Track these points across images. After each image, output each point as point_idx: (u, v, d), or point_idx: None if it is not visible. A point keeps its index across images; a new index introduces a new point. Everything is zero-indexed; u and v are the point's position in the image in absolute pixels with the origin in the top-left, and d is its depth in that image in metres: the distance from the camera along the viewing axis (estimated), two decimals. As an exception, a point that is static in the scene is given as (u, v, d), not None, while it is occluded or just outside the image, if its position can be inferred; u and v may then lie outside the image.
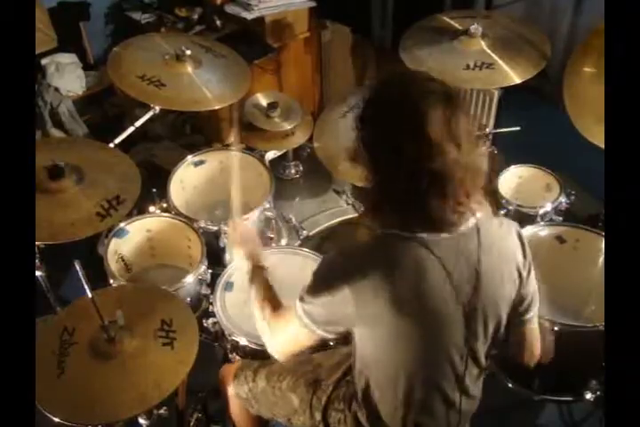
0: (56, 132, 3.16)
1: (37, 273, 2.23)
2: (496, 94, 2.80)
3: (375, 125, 1.26)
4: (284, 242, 2.60)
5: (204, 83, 2.41)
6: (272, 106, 2.72)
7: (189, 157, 2.56)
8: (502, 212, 2.38)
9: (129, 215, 2.21)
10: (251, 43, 3.09)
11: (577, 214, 2.60)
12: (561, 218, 2.39)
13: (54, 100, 3.13)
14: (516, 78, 2.29)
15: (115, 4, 3.35)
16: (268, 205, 2.43)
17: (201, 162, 2.58)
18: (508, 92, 2.65)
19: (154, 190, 2.43)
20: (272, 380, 1.72)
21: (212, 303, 2.08)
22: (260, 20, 3.07)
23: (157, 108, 2.41)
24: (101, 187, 2.02)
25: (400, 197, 1.26)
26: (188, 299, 2.16)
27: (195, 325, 1.74)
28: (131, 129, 2.42)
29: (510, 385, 2.16)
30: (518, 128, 2.46)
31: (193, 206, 2.54)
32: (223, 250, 2.39)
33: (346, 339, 1.45)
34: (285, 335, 1.43)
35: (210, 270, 2.25)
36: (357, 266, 1.29)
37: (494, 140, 2.75)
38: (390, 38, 3.23)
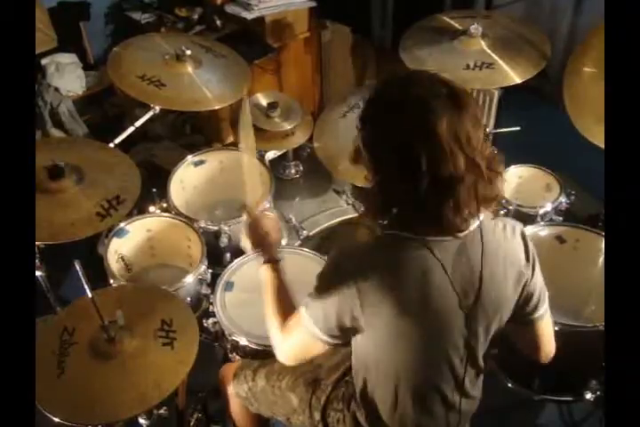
0: (56, 132, 3.16)
1: (37, 273, 2.23)
2: (496, 94, 2.79)
3: (375, 125, 1.25)
4: (283, 242, 2.59)
5: (204, 83, 2.41)
6: (272, 106, 2.72)
7: (189, 157, 2.56)
8: (502, 212, 2.38)
9: (129, 215, 2.21)
10: (251, 43, 3.09)
11: (577, 214, 2.60)
12: (561, 218, 2.39)
13: (54, 100, 3.13)
14: (516, 78, 2.29)
15: (115, 3, 3.35)
16: (267, 205, 2.43)
17: (201, 162, 2.58)
18: (508, 92, 2.65)
19: (154, 190, 2.43)
20: (272, 379, 1.72)
21: (212, 303, 2.08)
22: (260, 19, 3.07)
23: (157, 108, 2.41)
24: (101, 187, 2.02)
25: (400, 198, 1.25)
26: (188, 299, 2.16)
27: (195, 325, 1.74)
28: (131, 129, 2.42)
29: (510, 385, 2.16)
30: (518, 128, 2.46)
31: (193, 206, 2.55)
32: (223, 250, 2.39)
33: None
34: (293, 342, 1.43)
35: (210, 270, 2.25)
36: (362, 267, 1.28)
37: (494, 140, 2.75)
38: (390, 38, 3.23)
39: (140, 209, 2.37)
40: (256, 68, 3.04)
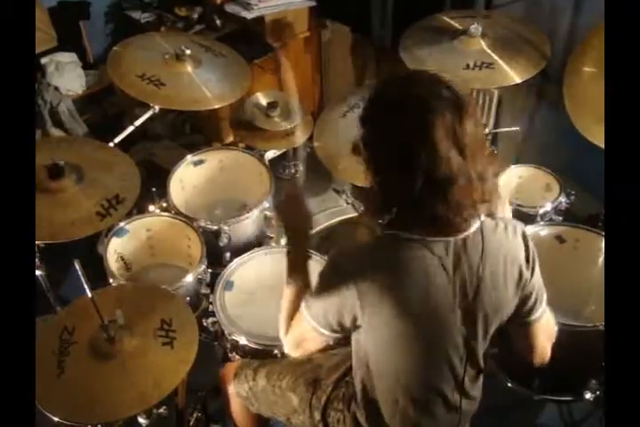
0: (56, 132, 3.16)
1: (37, 272, 2.23)
2: (496, 94, 2.79)
3: (375, 125, 1.25)
4: (283, 242, 2.59)
5: (203, 82, 2.41)
6: (272, 105, 2.72)
7: (189, 157, 2.56)
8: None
9: (129, 215, 2.21)
10: (250, 42, 3.09)
11: (577, 214, 2.60)
12: (561, 218, 2.39)
13: (54, 99, 3.13)
14: (516, 78, 2.29)
15: (115, 3, 3.35)
16: (267, 205, 2.43)
17: (200, 161, 2.58)
18: (508, 92, 2.65)
19: (153, 190, 2.43)
20: (272, 379, 1.72)
21: (211, 303, 2.08)
22: (260, 19, 3.06)
23: (157, 108, 2.42)
24: (101, 186, 2.03)
25: (400, 198, 1.25)
26: (188, 298, 2.16)
27: (194, 324, 1.74)
28: (130, 128, 2.42)
29: (510, 385, 2.16)
30: (518, 128, 2.46)
31: (193, 206, 2.55)
32: (223, 250, 2.39)
33: (346, 339, 1.45)
34: (297, 335, 1.44)
35: (209, 270, 2.25)
36: (362, 267, 1.29)
37: (494, 140, 2.75)
38: (390, 38, 3.22)
39: (139, 208, 2.36)
40: (256, 68, 3.04)
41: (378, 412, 1.47)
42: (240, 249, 2.34)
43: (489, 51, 2.35)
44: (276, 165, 3.03)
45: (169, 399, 1.76)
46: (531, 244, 1.39)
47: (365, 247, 1.34)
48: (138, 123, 2.44)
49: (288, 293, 1.49)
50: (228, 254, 2.41)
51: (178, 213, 2.36)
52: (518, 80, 2.29)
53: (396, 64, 2.48)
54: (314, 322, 1.36)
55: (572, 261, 2.17)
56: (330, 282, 1.33)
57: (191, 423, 2.13)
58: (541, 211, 2.36)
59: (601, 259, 2.15)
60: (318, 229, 2.70)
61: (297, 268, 1.52)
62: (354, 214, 2.79)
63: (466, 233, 1.29)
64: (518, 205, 2.36)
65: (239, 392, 1.78)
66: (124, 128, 2.41)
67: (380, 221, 1.33)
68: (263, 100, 2.78)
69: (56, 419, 1.54)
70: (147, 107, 2.43)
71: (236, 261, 2.19)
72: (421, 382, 1.40)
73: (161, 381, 1.60)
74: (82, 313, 1.70)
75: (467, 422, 1.56)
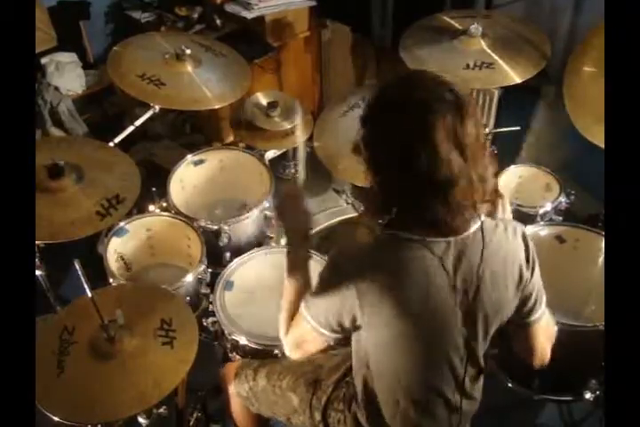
0: (56, 132, 3.16)
1: (37, 272, 2.23)
2: (496, 94, 2.79)
3: (376, 125, 1.25)
4: (283, 242, 2.59)
5: (203, 82, 2.41)
6: (272, 105, 2.72)
7: (189, 157, 2.56)
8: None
9: (129, 214, 2.21)
10: (251, 42, 3.09)
11: (577, 214, 2.60)
12: (561, 218, 2.39)
13: (54, 99, 3.13)
14: (516, 78, 2.29)
15: (115, 3, 3.35)
16: (267, 205, 2.43)
17: (201, 161, 2.58)
18: (508, 92, 2.65)
19: (153, 189, 2.43)
20: (272, 379, 1.72)
21: (211, 302, 2.08)
22: (260, 19, 3.06)
23: (157, 108, 2.42)
24: (101, 186, 2.03)
25: (400, 198, 1.25)
26: (188, 298, 2.16)
27: (194, 324, 1.74)
28: (130, 128, 2.42)
29: (510, 385, 2.16)
30: (518, 128, 2.46)
31: (193, 206, 2.54)
32: (223, 249, 2.39)
33: (347, 340, 1.45)
34: (297, 335, 1.44)
35: (209, 270, 2.25)
36: (362, 268, 1.29)
37: (494, 140, 2.75)
38: (390, 37, 3.22)
39: (139, 208, 2.36)
40: (256, 68, 3.04)
41: (379, 412, 1.47)
42: (240, 249, 2.34)
43: (489, 51, 2.35)
44: (276, 165, 3.03)
45: (169, 399, 1.76)
46: (531, 244, 1.39)
47: (365, 247, 1.34)
48: (138, 123, 2.44)
49: (288, 293, 1.49)
50: (227, 254, 2.41)
51: (178, 212, 2.36)
52: (518, 80, 2.29)
53: (396, 64, 2.48)
54: (314, 322, 1.36)
55: (572, 261, 2.17)
56: (329, 282, 1.33)
57: (191, 423, 2.13)
58: (541, 211, 2.36)
59: (601, 259, 2.15)
60: (318, 229, 2.70)
61: (297, 268, 1.51)
62: (354, 214, 2.79)
63: (466, 233, 1.29)
64: (518, 205, 2.36)
65: (239, 392, 1.78)
66: (124, 128, 2.41)
67: (380, 221, 1.33)
68: (263, 100, 2.78)
69: (56, 419, 1.54)
70: (147, 107, 2.43)
71: (236, 261, 2.19)
72: (422, 382, 1.40)
73: (161, 381, 1.60)
74: (82, 313, 1.70)
75: (467, 422, 1.56)
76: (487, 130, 2.73)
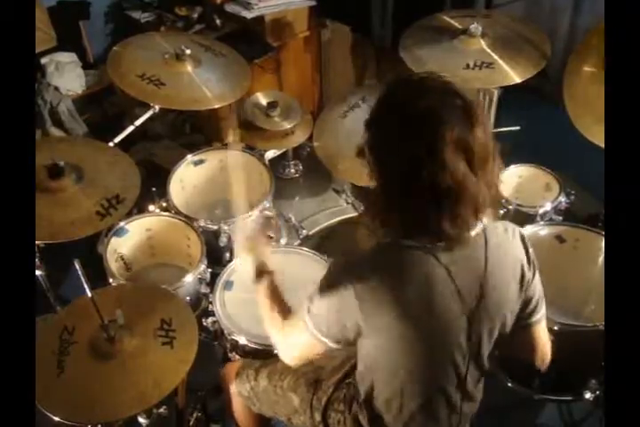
0: (56, 132, 3.16)
1: (37, 272, 2.23)
2: (496, 94, 2.79)
3: (380, 129, 1.24)
4: (283, 241, 2.59)
5: (203, 82, 2.41)
6: (272, 105, 2.72)
7: (189, 157, 2.56)
8: (502, 211, 2.37)
9: (129, 214, 2.21)
10: (250, 42, 3.09)
11: (577, 214, 2.60)
12: (561, 218, 2.39)
13: (54, 99, 3.13)
14: (515, 78, 2.29)
15: (114, 2, 3.35)
16: (267, 205, 2.43)
17: (201, 161, 2.58)
18: (508, 92, 2.65)
19: (153, 189, 2.43)
20: (273, 379, 1.72)
21: (211, 302, 2.08)
22: (260, 19, 3.06)
23: (157, 108, 2.41)
24: (101, 186, 2.03)
25: (401, 204, 1.24)
26: (188, 298, 2.16)
27: (194, 324, 1.74)
28: (130, 128, 2.42)
29: (510, 385, 2.16)
30: (518, 128, 2.46)
31: (193, 206, 2.54)
32: (223, 249, 2.39)
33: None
34: (295, 343, 1.43)
35: (209, 270, 2.25)
36: (362, 271, 1.28)
37: (494, 140, 2.75)
38: (390, 37, 3.22)
39: (139, 208, 2.36)
40: (256, 68, 3.04)
41: (380, 414, 1.47)
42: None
43: (489, 50, 2.35)
44: (276, 165, 3.03)
45: (169, 399, 1.76)
46: (530, 246, 1.39)
47: (366, 253, 1.33)
48: (138, 123, 2.44)
49: (264, 301, 1.53)
50: (227, 254, 2.41)
51: (178, 212, 2.36)
52: (518, 80, 2.29)
53: (396, 64, 2.48)
54: (315, 330, 1.35)
55: (572, 261, 2.17)
56: (330, 289, 1.31)
57: (191, 423, 2.13)
58: (541, 211, 2.36)
59: (601, 259, 2.15)
60: (318, 228, 2.70)
61: (262, 271, 1.58)
62: (354, 214, 2.79)
63: (468, 237, 1.28)
64: (518, 205, 2.36)
65: (241, 392, 1.78)
66: (123, 128, 2.41)
67: (382, 225, 1.31)
68: (263, 100, 2.78)
69: (56, 419, 1.54)
70: (147, 107, 2.43)
71: (236, 261, 2.19)
72: (425, 384, 1.39)
73: (161, 381, 1.60)
74: (82, 313, 1.70)
75: (467, 422, 1.56)
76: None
